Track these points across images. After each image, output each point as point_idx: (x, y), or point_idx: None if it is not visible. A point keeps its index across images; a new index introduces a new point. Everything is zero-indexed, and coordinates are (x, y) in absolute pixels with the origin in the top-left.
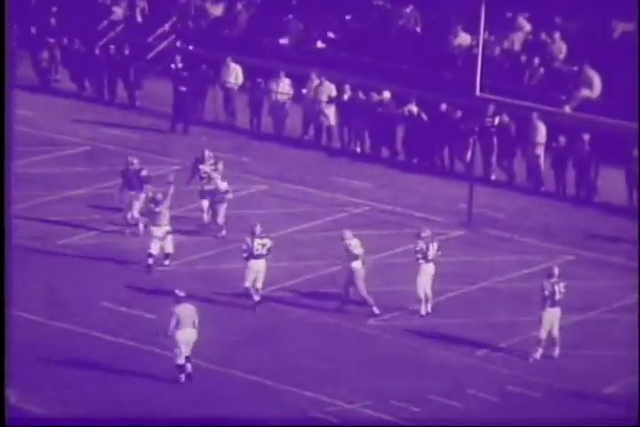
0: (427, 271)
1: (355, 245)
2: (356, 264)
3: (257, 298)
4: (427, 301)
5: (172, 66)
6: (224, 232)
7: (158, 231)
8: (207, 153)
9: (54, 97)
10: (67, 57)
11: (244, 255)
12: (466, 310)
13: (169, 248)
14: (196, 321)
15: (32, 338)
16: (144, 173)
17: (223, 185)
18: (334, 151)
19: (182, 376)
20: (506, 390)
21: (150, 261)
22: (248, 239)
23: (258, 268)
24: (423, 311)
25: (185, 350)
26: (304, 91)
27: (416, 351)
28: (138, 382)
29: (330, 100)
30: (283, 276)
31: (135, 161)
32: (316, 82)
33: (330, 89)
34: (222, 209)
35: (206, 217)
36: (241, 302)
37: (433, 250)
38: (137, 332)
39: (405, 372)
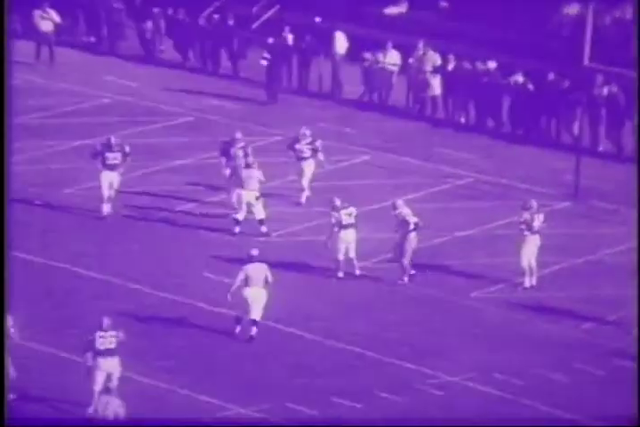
0: (532, 243)
1: (409, 214)
2: (413, 234)
3: (357, 271)
4: (531, 273)
5: (281, 35)
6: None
7: (249, 196)
8: (303, 131)
9: (158, 67)
10: (171, 27)
11: (335, 229)
12: (571, 282)
13: (261, 214)
14: (269, 280)
15: (136, 306)
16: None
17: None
18: (439, 122)
19: (238, 328)
20: (612, 364)
21: (237, 229)
22: (334, 213)
23: (348, 238)
24: (527, 284)
25: (255, 308)
26: (410, 60)
27: (520, 324)
28: (238, 351)
29: (435, 70)
30: (384, 247)
31: (239, 136)
32: (421, 51)
33: (434, 59)
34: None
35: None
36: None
37: (538, 221)
38: (239, 301)
39: (509, 345)
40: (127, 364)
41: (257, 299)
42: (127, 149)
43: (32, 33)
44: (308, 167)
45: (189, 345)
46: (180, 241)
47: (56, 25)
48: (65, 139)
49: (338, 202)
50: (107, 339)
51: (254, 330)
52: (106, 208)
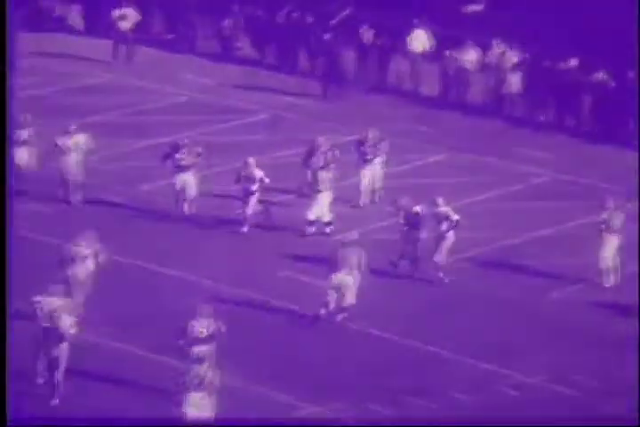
0: (611, 243)
1: (450, 210)
2: (452, 232)
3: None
4: (611, 273)
5: (359, 33)
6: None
7: (324, 197)
8: (371, 133)
9: (236, 65)
10: (249, 25)
11: (405, 228)
12: None
13: (327, 216)
14: (362, 265)
15: (213, 304)
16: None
17: (258, 173)
18: (517, 120)
19: (323, 310)
20: None
21: (312, 229)
22: (401, 212)
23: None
24: (607, 283)
25: (333, 295)
26: (488, 58)
27: (600, 324)
28: (313, 349)
29: (513, 68)
30: (462, 246)
31: (323, 140)
32: (499, 49)
33: (513, 57)
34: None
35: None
36: (420, 273)
37: (617, 221)
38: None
39: (588, 345)
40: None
41: (343, 284)
42: (198, 150)
43: (110, 31)
44: (372, 169)
45: (265, 343)
46: (255, 240)
47: (134, 23)
48: (143, 137)
49: (403, 201)
50: (201, 328)
51: (340, 317)
52: (180, 208)
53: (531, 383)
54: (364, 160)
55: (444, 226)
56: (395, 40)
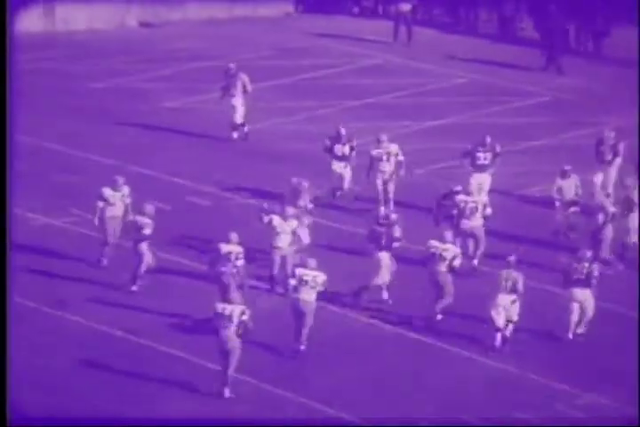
0: None
1: (607, 201)
2: (610, 225)
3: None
4: None
5: None
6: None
7: None
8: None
9: (517, 46)
10: (532, 5)
11: None
12: None
13: None
14: None
15: None
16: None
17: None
18: None
19: None
20: None
21: None
22: None
23: None
24: None
25: None
26: None
27: None
28: (585, 338)
29: None
30: None
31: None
32: None
33: None
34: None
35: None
36: None
37: None
38: None
39: None
40: None
41: None
42: (498, 148)
43: (391, 12)
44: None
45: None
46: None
47: (414, 5)
48: (421, 119)
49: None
50: (581, 270)
51: None
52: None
53: None
54: (602, 161)
55: (600, 218)
56: None
